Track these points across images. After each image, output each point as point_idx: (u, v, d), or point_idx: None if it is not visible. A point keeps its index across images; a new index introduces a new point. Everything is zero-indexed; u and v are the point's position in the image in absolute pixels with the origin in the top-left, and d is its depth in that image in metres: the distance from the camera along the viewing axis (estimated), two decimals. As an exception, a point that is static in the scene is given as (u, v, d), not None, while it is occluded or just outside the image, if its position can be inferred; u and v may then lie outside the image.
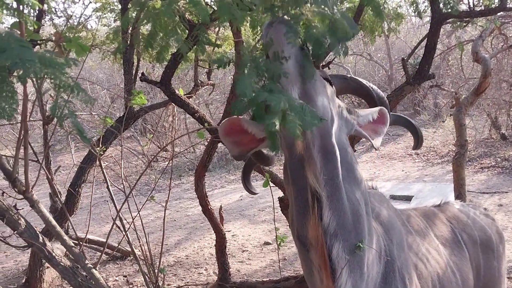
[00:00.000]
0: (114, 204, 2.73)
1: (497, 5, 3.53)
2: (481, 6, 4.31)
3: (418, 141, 2.18)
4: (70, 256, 2.53)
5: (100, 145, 2.96)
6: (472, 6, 3.58)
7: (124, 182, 3.24)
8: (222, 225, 5.03)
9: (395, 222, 2.15)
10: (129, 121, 4.87)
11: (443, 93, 13.16)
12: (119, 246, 5.78)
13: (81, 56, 2.49)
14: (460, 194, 5.24)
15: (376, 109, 1.91)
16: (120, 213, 2.70)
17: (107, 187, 2.68)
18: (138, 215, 2.96)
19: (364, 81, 2.06)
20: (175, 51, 2.73)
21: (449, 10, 2.68)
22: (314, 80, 1.63)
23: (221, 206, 5.50)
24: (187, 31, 2.39)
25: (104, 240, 4.65)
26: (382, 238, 1.94)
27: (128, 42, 4.98)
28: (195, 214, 8.39)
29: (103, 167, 2.92)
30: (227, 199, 9.24)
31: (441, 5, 3.22)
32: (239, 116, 1.69)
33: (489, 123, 11.35)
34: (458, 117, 5.41)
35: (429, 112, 14.54)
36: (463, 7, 3.83)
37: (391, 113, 2.01)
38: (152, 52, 2.64)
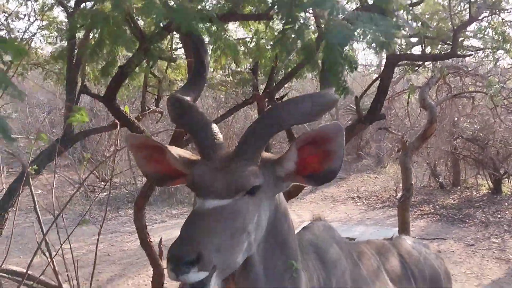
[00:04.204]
0: (41, 225, 2.43)
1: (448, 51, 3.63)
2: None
3: None
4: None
5: (31, 164, 2.67)
6: (424, 49, 3.66)
7: (54, 207, 2.94)
8: (161, 260, 4.71)
9: (340, 262, 2.14)
10: (66, 144, 4.54)
11: (387, 138, 13.64)
12: (42, 277, 5.27)
13: (18, 60, 2.27)
14: (404, 237, 5.23)
15: (287, 151, 1.70)
16: (47, 237, 2.41)
17: (34, 208, 2.38)
18: (68, 242, 2.65)
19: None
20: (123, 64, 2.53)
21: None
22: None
23: (161, 239, 5.16)
24: (138, 42, 2.22)
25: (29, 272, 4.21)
26: (321, 278, 1.99)
27: (74, 61, 4.73)
28: (131, 249, 7.94)
29: (34, 194, 2.63)
30: (168, 234, 8.79)
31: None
32: None
33: (428, 171, 11.78)
34: (405, 160, 5.48)
35: (371, 158, 15.07)
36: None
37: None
38: (98, 64, 2.45)
